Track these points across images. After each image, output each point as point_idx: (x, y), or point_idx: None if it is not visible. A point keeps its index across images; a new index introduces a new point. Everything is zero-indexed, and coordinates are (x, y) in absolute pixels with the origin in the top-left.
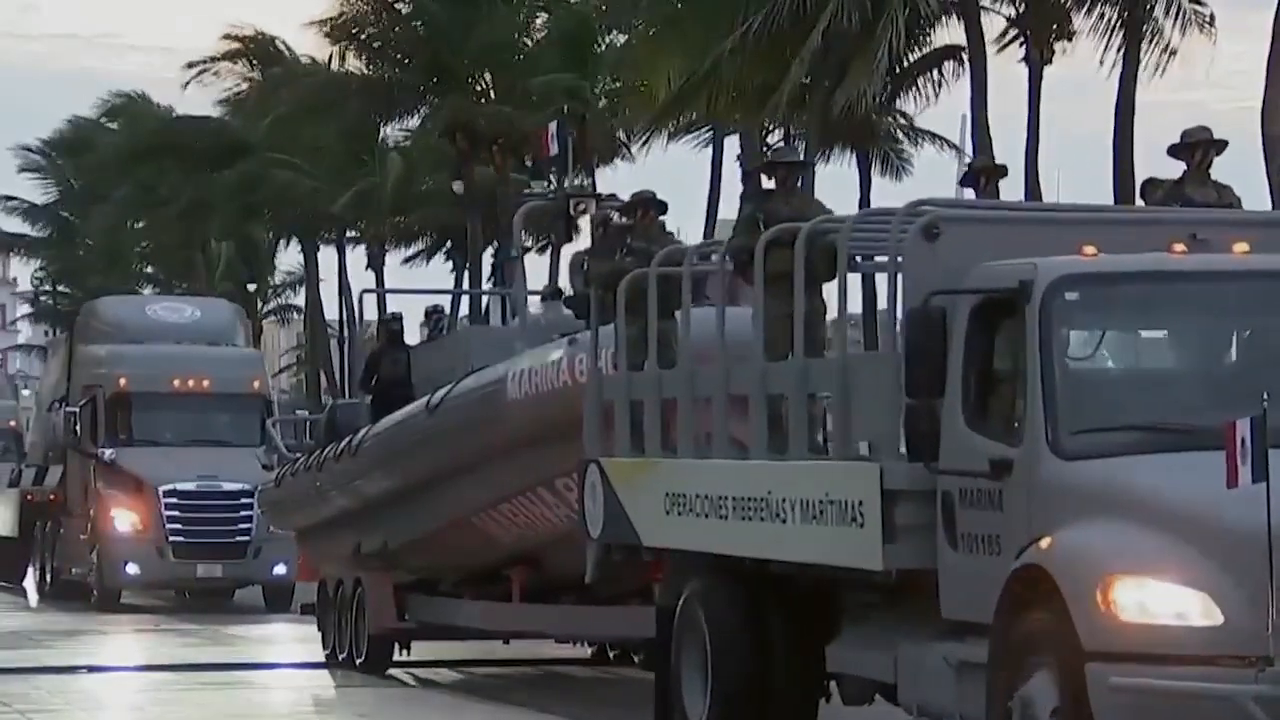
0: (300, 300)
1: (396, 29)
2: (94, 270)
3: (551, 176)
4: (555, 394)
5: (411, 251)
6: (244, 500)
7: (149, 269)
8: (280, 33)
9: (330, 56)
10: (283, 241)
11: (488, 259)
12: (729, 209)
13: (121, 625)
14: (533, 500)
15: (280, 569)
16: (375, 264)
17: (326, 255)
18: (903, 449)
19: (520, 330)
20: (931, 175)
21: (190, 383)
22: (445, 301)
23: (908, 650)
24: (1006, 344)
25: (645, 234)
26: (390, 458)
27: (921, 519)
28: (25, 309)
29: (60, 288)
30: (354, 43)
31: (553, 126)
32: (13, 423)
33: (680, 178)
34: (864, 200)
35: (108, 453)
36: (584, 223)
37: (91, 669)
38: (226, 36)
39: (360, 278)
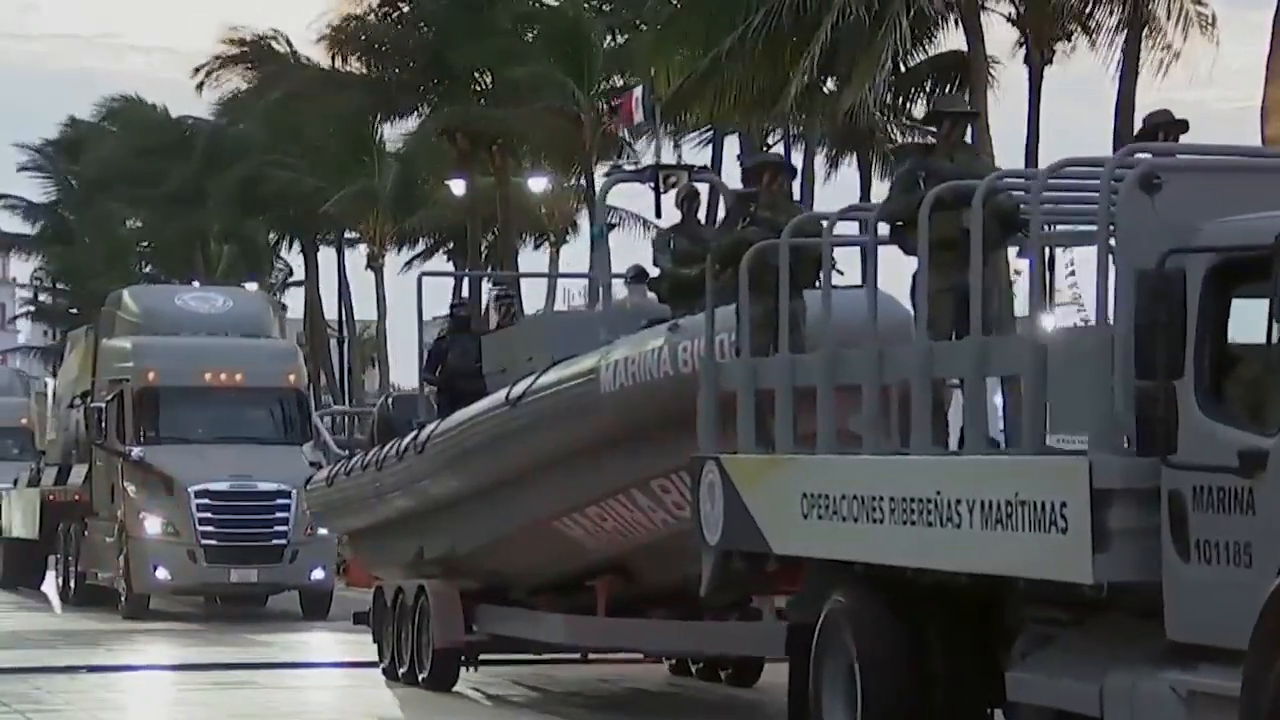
0: (287, 298)
1: (398, 29)
2: (93, 270)
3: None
4: (655, 386)
5: (413, 254)
6: (280, 501)
7: (149, 268)
8: (282, 32)
9: (332, 59)
10: (283, 241)
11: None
12: None
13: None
14: (624, 503)
15: (318, 574)
16: (374, 263)
17: (326, 256)
18: (1115, 439)
19: (604, 316)
20: None
21: (222, 376)
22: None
23: (1119, 678)
24: (1255, 313)
25: (770, 202)
26: (463, 455)
27: (1140, 523)
28: (25, 309)
29: (60, 287)
30: (354, 43)
31: (638, 92)
32: (24, 420)
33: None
34: (862, 198)
35: (136, 451)
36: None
37: (92, 669)
38: (227, 40)
39: (360, 278)
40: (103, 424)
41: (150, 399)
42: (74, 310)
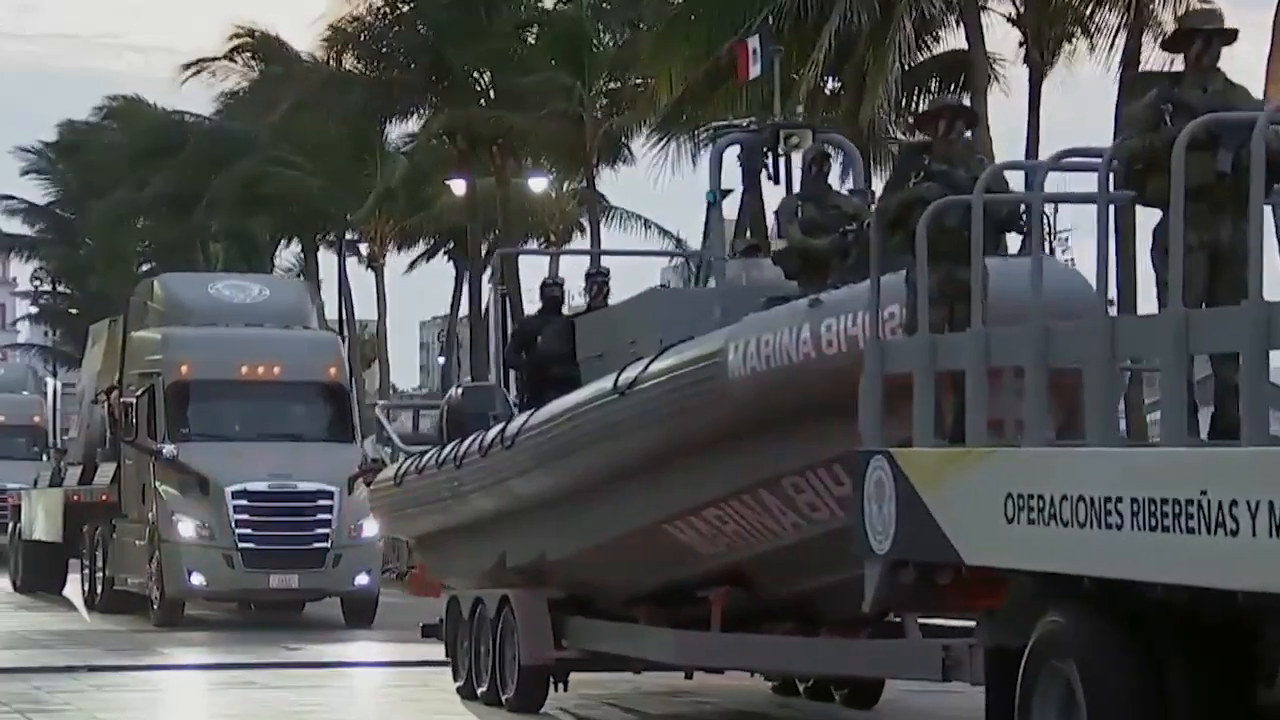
0: None
1: (397, 29)
2: (94, 270)
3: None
4: (793, 370)
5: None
6: (322, 502)
7: (148, 268)
8: (282, 32)
9: (328, 59)
10: (283, 241)
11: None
12: (728, 210)
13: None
14: (749, 504)
15: (363, 579)
16: (375, 263)
17: (326, 257)
18: None
19: (718, 293)
20: None
21: (260, 370)
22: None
23: None
24: None
25: (947, 154)
26: (561, 450)
27: None
28: (25, 309)
29: (60, 288)
30: (355, 44)
31: (753, 42)
32: (36, 418)
33: (679, 178)
34: None
35: (168, 449)
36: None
37: (92, 668)
38: (235, 35)
39: (360, 278)
40: (133, 420)
41: (183, 394)
42: (74, 310)
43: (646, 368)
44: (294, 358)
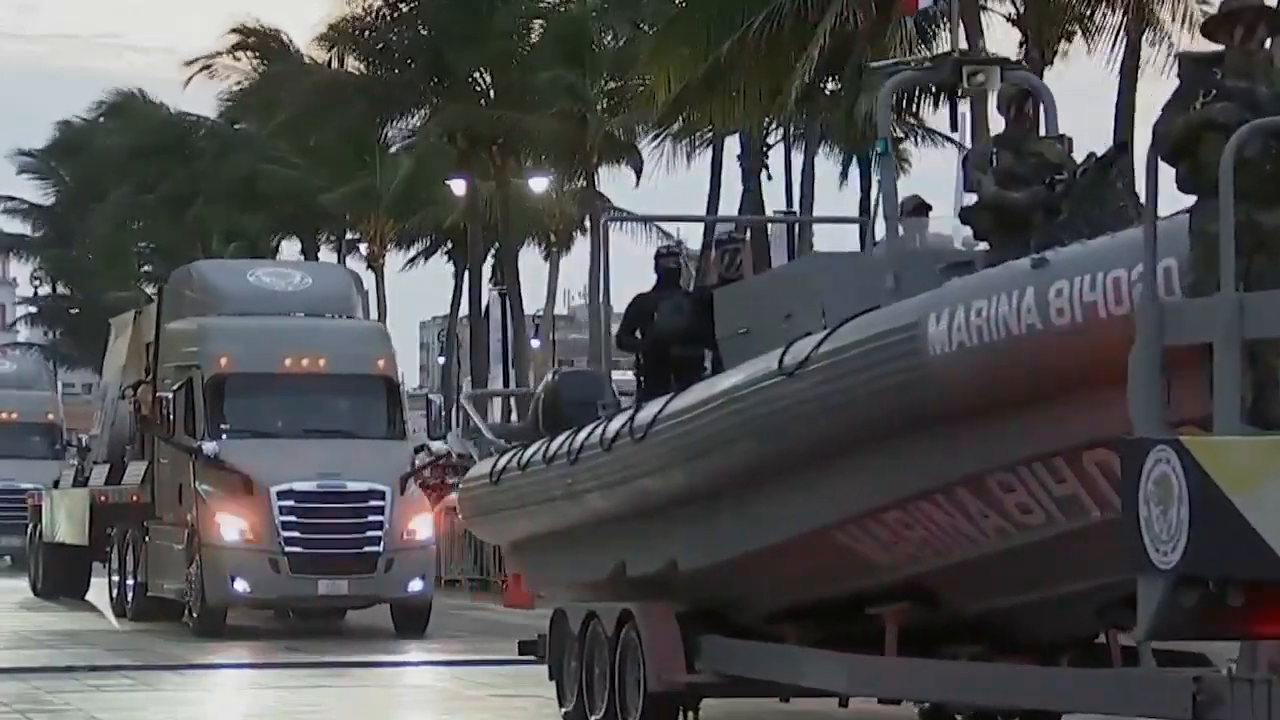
0: None
1: (396, 30)
2: (93, 270)
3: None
4: (1012, 345)
5: (413, 252)
6: (373, 503)
7: (148, 268)
8: (283, 31)
9: (330, 60)
10: (283, 241)
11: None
12: (729, 208)
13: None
14: (943, 507)
15: (416, 585)
16: (375, 263)
17: (326, 256)
18: None
19: (889, 258)
20: (933, 173)
21: (304, 362)
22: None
23: None
24: None
25: (1244, 67)
26: (709, 443)
27: None
28: (25, 309)
29: (59, 288)
30: (355, 44)
31: None
32: (51, 415)
33: (679, 177)
34: (864, 200)
35: (209, 446)
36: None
37: (92, 668)
38: (234, 30)
39: (360, 278)
40: (169, 416)
41: (223, 388)
42: (74, 311)
43: (820, 344)
44: (340, 349)
